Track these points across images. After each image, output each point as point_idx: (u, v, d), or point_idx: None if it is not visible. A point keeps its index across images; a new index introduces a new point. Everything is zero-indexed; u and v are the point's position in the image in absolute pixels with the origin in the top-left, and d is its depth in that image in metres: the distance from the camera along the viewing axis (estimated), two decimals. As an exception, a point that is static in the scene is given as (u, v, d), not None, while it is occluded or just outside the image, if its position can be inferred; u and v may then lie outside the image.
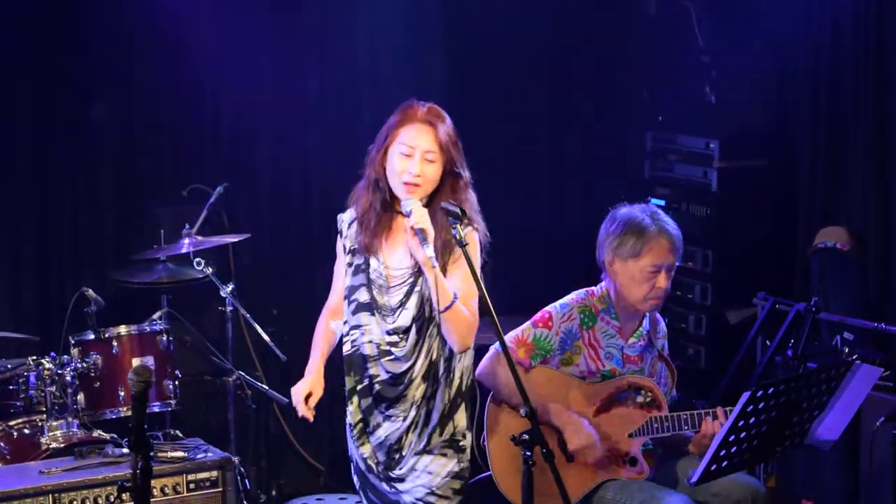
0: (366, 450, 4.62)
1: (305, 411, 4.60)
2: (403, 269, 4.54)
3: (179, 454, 5.54)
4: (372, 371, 4.56)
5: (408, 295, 4.52)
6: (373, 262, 4.56)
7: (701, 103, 7.31)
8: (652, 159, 7.52)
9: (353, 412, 4.64)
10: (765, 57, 7.23)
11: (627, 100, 7.74)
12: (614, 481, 5.05)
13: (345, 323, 4.65)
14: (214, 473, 5.56)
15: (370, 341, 4.56)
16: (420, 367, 4.53)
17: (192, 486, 5.50)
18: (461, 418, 4.62)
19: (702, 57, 7.31)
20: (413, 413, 4.55)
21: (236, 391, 6.59)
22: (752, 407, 4.46)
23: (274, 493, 7.07)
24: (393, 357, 4.53)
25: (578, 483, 4.99)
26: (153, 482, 5.24)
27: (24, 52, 6.69)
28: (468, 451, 4.67)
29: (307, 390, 4.61)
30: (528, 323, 5.11)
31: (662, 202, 7.26)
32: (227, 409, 6.56)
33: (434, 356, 4.54)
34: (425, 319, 4.52)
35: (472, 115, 7.51)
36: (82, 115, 6.85)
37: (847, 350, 6.09)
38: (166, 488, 5.44)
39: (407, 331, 4.51)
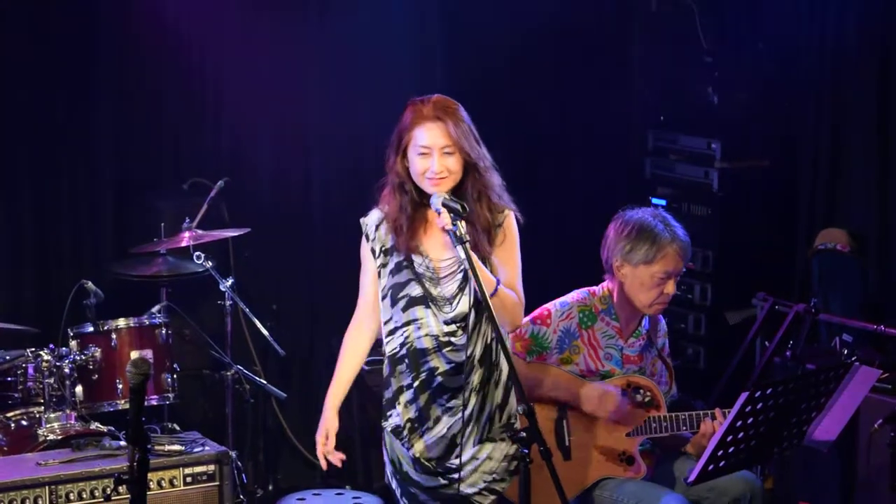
0: (418, 448, 4.54)
1: (329, 455, 4.59)
2: (451, 258, 4.51)
3: (177, 447, 5.53)
4: (433, 363, 4.51)
5: (465, 280, 4.49)
6: (416, 258, 4.53)
7: (703, 103, 7.31)
8: (653, 159, 7.52)
9: (401, 413, 4.55)
10: (767, 57, 7.22)
11: (629, 99, 7.73)
12: (611, 480, 5.05)
13: (387, 321, 4.56)
14: (212, 467, 5.55)
15: (428, 334, 4.52)
16: (479, 351, 4.52)
17: (188, 479, 5.49)
18: (513, 400, 4.60)
19: (704, 57, 7.30)
20: (473, 400, 4.51)
21: (234, 385, 6.58)
22: (750, 407, 4.46)
23: (271, 487, 7.06)
24: (453, 347, 4.50)
25: (575, 480, 5.00)
26: (150, 475, 5.24)
27: (26, 45, 6.68)
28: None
29: (322, 435, 4.61)
30: (527, 319, 5.11)
31: (663, 202, 7.26)
32: (225, 403, 6.56)
33: (489, 339, 4.53)
34: (480, 302, 4.49)
35: (472, 112, 7.48)
36: (83, 108, 6.85)
37: (846, 352, 6.09)
38: (163, 481, 5.43)
39: (466, 318, 4.49)
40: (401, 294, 4.54)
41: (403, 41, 7.37)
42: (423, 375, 4.52)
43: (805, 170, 7.03)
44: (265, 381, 6.66)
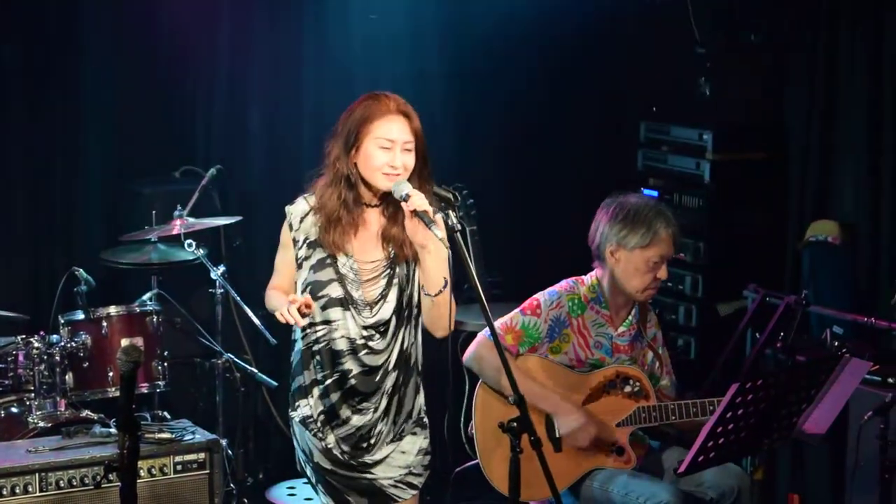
0: (330, 440, 4.53)
1: (295, 305, 4.27)
2: (376, 262, 4.47)
3: (167, 435, 5.51)
4: (346, 366, 4.47)
5: (388, 287, 4.47)
6: (340, 257, 4.47)
7: (695, 94, 7.31)
8: (645, 150, 7.52)
9: (312, 405, 4.53)
10: (760, 49, 7.22)
11: (621, 90, 7.73)
12: (601, 470, 5.06)
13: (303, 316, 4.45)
14: (202, 455, 5.53)
15: (343, 336, 4.47)
16: (395, 356, 4.49)
17: (178, 467, 5.47)
18: (422, 396, 4.61)
19: (697, 48, 7.30)
20: (385, 403, 4.50)
21: (225, 374, 6.58)
22: (740, 399, 4.46)
23: (261, 476, 7.06)
24: (370, 350, 4.47)
25: (565, 471, 5.00)
26: (140, 463, 5.23)
27: (19, 34, 6.68)
28: (428, 423, 4.66)
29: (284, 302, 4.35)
30: (516, 310, 5.12)
31: (655, 193, 7.26)
32: (216, 391, 6.55)
33: (405, 344, 4.51)
34: (402, 309, 4.49)
35: (466, 103, 7.54)
36: (75, 95, 6.84)
37: (836, 344, 6.09)
38: (153, 469, 5.42)
39: (387, 323, 4.47)
40: (320, 293, 4.47)
41: (399, 34, 7.36)
42: (335, 376, 4.49)
43: (797, 162, 7.03)
44: (256, 370, 6.65)
